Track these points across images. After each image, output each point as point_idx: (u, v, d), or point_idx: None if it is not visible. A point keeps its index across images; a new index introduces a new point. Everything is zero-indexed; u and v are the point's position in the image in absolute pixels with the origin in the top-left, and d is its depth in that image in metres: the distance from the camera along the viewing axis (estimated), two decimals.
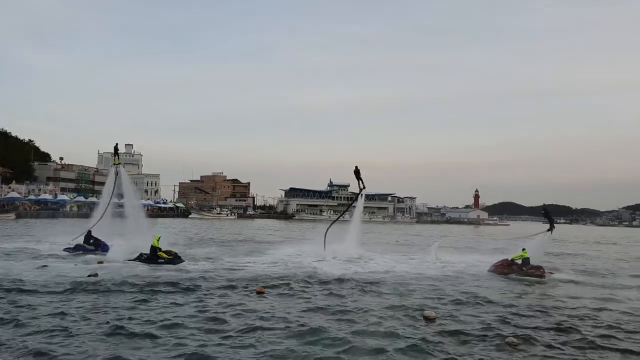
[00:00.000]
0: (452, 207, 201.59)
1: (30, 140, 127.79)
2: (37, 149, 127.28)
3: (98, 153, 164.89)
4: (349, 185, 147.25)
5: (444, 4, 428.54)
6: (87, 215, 43.48)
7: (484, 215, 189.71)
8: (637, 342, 11.54)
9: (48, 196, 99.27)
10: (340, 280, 19.33)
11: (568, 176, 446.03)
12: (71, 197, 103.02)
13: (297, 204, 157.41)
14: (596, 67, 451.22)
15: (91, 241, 26.76)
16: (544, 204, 39.01)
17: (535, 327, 12.53)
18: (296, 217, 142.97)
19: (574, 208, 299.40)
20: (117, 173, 30.83)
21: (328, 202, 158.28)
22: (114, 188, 31.06)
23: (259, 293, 16.11)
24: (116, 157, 32.00)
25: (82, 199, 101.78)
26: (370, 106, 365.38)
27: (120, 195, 31.57)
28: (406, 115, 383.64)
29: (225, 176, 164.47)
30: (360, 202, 33.80)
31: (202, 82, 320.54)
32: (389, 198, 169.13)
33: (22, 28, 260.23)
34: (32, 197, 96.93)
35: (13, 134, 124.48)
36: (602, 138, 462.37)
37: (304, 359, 9.53)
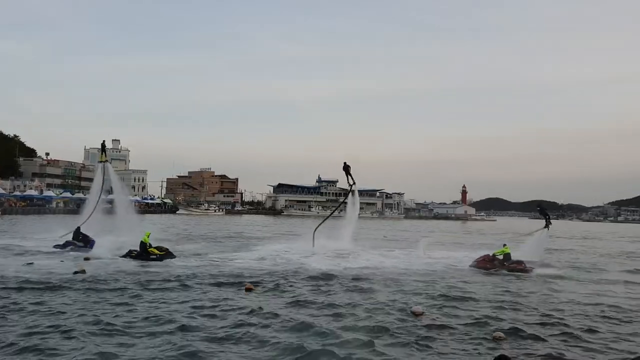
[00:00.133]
0: (440, 203, 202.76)
1: (15, 136, 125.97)
2: (22, 144, 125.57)
3: (84, 149, 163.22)
4: (337, 181, 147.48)
5: None
6: (74, 212, 43.23)
7: (472, 210, 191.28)
8: (621, 336, 11.73)
9: (34, 192, 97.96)
10: (328, 276, 19.39)
11: (554, 172, 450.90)
12: (57, 193, 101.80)
13: (286, 200, 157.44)
14: (586, 63, 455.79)
15: (80, 237, 26.57)
16: (539, 203, 39.45)
17: (522, 322, 12.67)
18: (284, 213, 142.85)
19: (560, 203, 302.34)
20: (104, 170, 30.64)
21: (317, 198, 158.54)
22: (102, 185, 30.89)
23: (248, 290, 16.00)
24: (103, 154, 31.75)
25: (68, 195, 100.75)
26: (358, 101, 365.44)
27: (108, 192, 31.39)
28: (394, 110, 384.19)
29: (214, 172, 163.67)
30: (356, 199, 33.93)
31: (183, 70, 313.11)
32: (377, 194, 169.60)
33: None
34: (17, 193, 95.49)
35: None
36: (588, 134, 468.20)
37: (292, 354, 9.55)
